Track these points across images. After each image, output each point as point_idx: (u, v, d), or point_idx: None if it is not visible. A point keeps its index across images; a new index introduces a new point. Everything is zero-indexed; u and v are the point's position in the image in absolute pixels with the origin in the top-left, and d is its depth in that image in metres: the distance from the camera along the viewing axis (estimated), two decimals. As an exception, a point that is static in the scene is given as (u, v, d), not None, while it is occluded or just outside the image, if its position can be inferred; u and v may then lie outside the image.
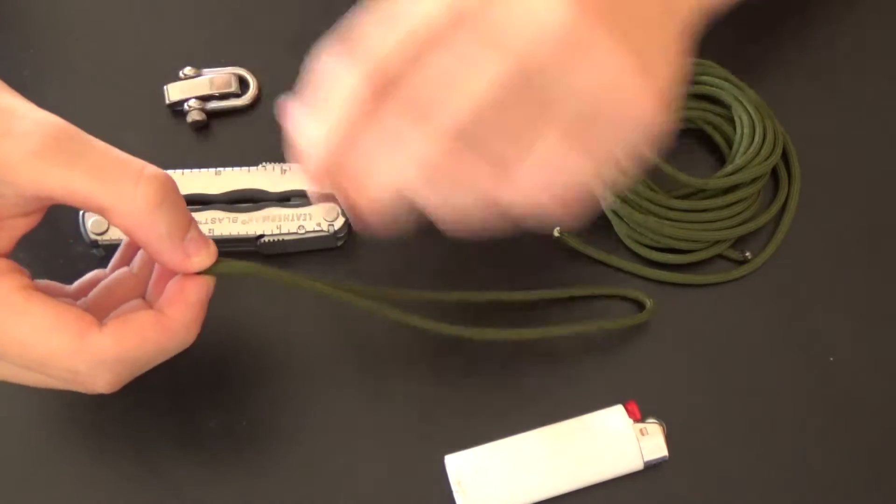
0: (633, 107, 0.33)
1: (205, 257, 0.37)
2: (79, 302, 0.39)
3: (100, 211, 0.35)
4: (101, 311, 0.38)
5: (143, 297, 0.39)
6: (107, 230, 0.45)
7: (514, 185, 0.34)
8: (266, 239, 0.45)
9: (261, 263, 0.40)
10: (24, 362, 0.35)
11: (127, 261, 0.41)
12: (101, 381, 0.36)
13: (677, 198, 0.48)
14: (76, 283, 0.41)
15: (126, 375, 0.36)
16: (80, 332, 0.34)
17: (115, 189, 0.34)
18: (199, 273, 0.37)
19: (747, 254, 0.48)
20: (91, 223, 0.45)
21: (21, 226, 0.36)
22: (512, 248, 0.48)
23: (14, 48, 0.52)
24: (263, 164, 0.47)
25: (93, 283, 0.40)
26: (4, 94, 0.35)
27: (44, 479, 0.42)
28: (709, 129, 0.51)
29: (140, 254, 0.41)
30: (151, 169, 0.35)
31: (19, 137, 0.33)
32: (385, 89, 0.33)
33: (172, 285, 0.37)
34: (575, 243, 0.47)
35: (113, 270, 0.41)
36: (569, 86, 0.32)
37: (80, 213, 0.45)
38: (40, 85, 0.51)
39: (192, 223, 0.37)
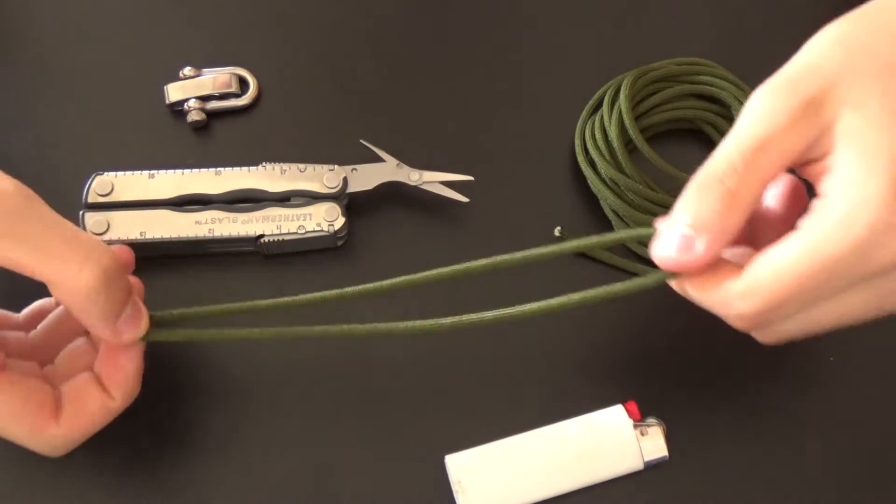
0: None
1: (135, 333, 0.38)
2: (29, 335, 0.40)
3: (42, 280, 0.35)
4: (49, 348, 0.40)
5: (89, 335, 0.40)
6: (107, 230, 0.45)
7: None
8: (266, 239, 0.45)
9: (194, 328, 0.40)
10: None
11: None
12: (50, 453, 0.38)
13: (677, 197, 0.48)
14: (25, 312, 0.41)
15: (73, 447, 0.38)
16: (38, 427, 0.37)
17: (57, 271, 0.34)
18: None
19: (747, 254, 0.48)
20: (91, 223, 0.45)
21: None
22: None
23: (15, 49, 0.52)
24: (263, 164, 0.47)
25: (42, 313, 0.41)
26: None
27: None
28: (709, 129, 0.51)
29: None
30: (98, 253, 0.35)
31: None
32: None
33: (111, 357, 0.38)
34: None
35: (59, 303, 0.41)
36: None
37: (80, 212, 0.45)
38: (41, 86, 0.51)
39: (130, 299, 0.37)
